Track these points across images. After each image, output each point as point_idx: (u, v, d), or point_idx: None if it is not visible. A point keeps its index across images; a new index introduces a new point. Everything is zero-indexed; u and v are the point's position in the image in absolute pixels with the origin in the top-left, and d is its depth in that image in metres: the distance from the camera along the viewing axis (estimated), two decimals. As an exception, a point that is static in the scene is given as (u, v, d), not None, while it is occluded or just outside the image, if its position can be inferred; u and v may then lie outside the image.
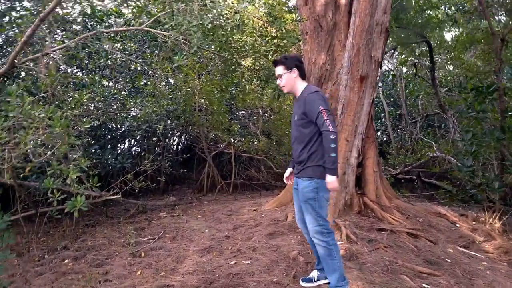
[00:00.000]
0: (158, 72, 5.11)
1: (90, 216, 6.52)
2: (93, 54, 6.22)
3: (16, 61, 4.58)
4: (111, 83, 6.74)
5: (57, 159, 3.71)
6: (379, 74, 5.03)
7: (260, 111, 8.61)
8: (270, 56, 4.87)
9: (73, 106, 3.47)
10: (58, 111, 3.28)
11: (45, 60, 4.70)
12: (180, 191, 9.03)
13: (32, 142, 3.51)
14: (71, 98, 4.14)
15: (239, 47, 4.66)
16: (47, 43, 4.53)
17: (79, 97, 3.76)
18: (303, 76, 3.00)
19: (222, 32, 4.00)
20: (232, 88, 7.05)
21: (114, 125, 7.05)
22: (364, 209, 4.94)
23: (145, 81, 6.02)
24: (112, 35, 6.03)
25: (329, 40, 5.40)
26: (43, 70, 4.37)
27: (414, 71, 9.32)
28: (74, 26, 6.25)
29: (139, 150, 8.08)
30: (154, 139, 8.01)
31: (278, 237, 4.40)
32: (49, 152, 3.58)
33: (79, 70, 6.79)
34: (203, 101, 6.55)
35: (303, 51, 5.79)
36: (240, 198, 7.90)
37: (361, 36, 4.99)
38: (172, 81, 6.36)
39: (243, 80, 5.91)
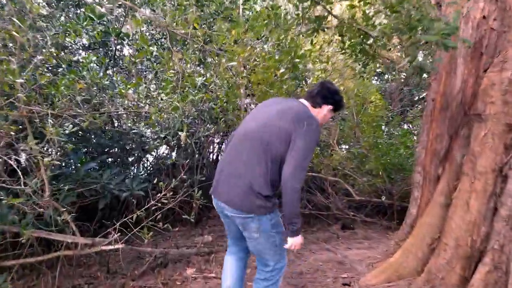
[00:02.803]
0: (178, 35, 2.91)
1: (86, 268, 4.58)
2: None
3: None
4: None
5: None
6: None
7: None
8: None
9: None
10: None
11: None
12: (218, 222, 6.90)
13: None
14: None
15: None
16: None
17: None
18: None
19: None
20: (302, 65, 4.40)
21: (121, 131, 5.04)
22: None
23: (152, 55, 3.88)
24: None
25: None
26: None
27: None
28: None
29: (159, 168, 5.98)
30: (181, 152, 5.91)
31: None
32: None
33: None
34: (252, 92, 4.31)
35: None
36: (308, 242, 5.59)
37: None
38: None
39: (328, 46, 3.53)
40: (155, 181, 3.80)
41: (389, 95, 8.39)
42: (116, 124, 5.37)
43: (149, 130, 5.47)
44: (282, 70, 3.47)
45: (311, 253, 4.90)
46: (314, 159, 6.00)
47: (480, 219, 3.07)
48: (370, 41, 3.08)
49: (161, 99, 3.77)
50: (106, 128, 5.00)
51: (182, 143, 5.65)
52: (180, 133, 3.57)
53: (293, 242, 2.41)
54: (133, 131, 4.65)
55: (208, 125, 5.36)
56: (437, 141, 3.59)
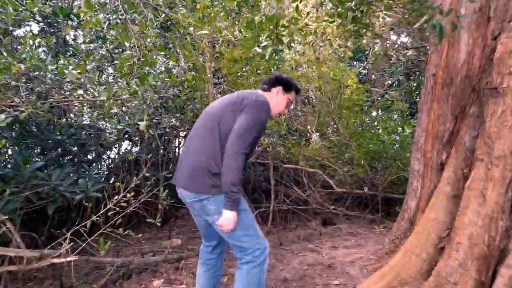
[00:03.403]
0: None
1: (38, 282, 3.97)
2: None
3: None
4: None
5: None
6: None
7: (312, 93, 5.72)
8: None
9: None
10: None
11: None
12: (189, 221, 6.31)
13: None
14: None
15: None
16: None
17: None
18: None
19: None
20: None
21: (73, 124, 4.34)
22: None
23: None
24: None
25: None
26: None
27: None
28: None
29: (119, 165, 5.30)
30: (144, 146, 5.26)
31: None
32: None
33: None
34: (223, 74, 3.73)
35: None
36: (288, 241, 5.09)
37: None
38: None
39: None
40: (111, 181, 3.17)
41: (370, 78, 8.00)
42: (70, 116, 4.67)
43: (109, 123, 4.82)
44: (263, 44, 2.91)
45: (293, 254, 4.40)
46: (292, 148, 5.52)
47: (498, 212, 2.64)
48: (364, 7, 2.58)
49: (116, 84, 3.14)
50: (58, 121, 4.32)
51: (144, 134, 5.03)
52: (140, 122, 2.97)
53: (225, 216, 2.27)
54: (85, 122, 3.97)
55: (173, 115, 4.75)
56: (439, 122, 3.14)
